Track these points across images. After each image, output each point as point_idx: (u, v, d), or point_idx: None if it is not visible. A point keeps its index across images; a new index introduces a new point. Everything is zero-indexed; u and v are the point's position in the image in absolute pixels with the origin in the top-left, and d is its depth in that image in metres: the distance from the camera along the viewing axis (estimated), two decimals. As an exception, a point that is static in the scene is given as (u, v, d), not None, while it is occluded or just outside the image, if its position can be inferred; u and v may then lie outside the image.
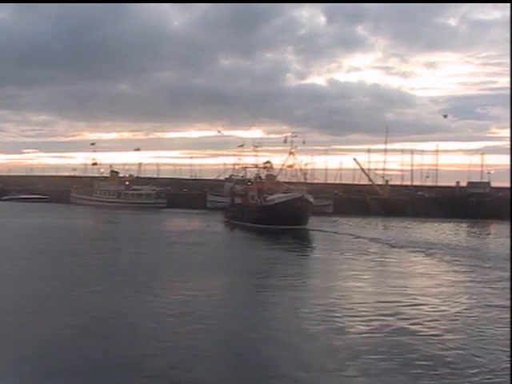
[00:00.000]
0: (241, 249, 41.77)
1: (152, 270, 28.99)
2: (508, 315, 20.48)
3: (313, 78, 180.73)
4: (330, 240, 47.21)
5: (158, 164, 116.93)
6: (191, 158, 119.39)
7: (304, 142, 75.20)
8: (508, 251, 37.77)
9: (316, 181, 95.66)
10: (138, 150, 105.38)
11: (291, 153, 72.04)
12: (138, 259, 32.46)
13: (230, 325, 19.14)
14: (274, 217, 54.34)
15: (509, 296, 23.41)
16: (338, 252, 38.91)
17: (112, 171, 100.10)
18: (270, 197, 59.59)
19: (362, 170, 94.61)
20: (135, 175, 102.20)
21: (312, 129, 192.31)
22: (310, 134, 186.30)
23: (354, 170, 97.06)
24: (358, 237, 48.99)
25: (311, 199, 57.51)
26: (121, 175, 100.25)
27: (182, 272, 28.64)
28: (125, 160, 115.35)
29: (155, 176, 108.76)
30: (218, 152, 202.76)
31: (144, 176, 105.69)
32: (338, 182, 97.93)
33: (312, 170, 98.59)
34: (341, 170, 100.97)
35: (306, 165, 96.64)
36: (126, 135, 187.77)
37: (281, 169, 76.95)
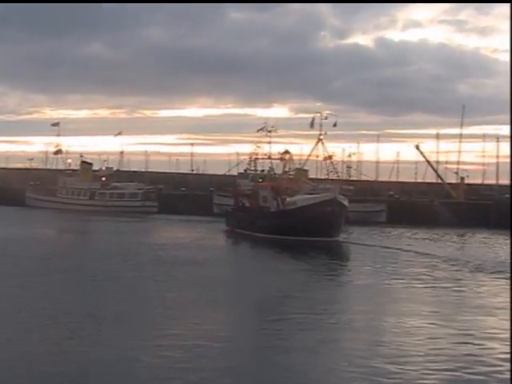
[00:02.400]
0: (251, 271, 41.93)
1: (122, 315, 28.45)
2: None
3: (356, 37, 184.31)
4: (378, 258, 47.51)
5: (146, 153, 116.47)
6: (192, 145, 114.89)
7: (335, 125, 75.32)
8: None
9: (364, 178, 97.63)
10: (118, 133, 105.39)
11: (319, 139, 73.19)
12: (104, 290, 32.75)
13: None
14: (296, 225, 55.08)
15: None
16: (390, 276, 39.01)
17: (83, 162, 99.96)
18: (291, 199, 60.29)
19: (428, 162, 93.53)
20: (115, 168, 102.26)
21: (356, 107, 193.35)
22: (354, 113, 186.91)
23: (417, 162, 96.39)
24: (420, 254, 49.42)
25: (345, 202, 58.30)
26: (95, 168, 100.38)
27: (169, 310, 28.41)
28: (101, 147, 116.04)
29: (143, 169, 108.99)
30: (229, 137, 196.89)
31: (127, 169, 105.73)
32: (393, 179, 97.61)
33: (358, 162, 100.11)
34: (397, 162, 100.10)
35: (349, 156, 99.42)
36: (102, 113, 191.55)
37: (306, 159, 77.41)
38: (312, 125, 74.13)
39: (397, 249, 52.92)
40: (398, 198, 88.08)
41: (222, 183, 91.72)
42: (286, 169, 70.98)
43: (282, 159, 71.07)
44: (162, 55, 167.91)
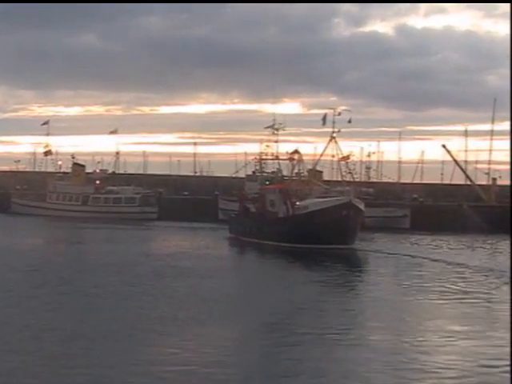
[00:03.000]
0: (258, 283, 41.95)
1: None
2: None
3: (374, 25, 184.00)
4: (400, 268, 47.72)
5: (144, 153, 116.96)
6: (194, 144, 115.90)
7: (350, 121, 75.70)
8: None
9: (385, 179, 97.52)
10: (114, 132, 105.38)
11: (332, 138, 73.34)
12: (96, 305, 32.60)
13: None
14: (308, 232, 55.58)
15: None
16: (413, 287, 39.06)
17: (75, 164, 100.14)
18: (301, 203, 60.61)
19: (456, 162, 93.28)
20: (110, 170, 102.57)
21: (374, 101, 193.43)
22: (372, 108, 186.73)
23: (443, 162, 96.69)
24: (448, 263, 49.70)
25: (361, 206, 58.57)
26: (88, 170, 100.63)
27: (167, 327, 28.26)
28: (94, 148, 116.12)
29: (141, 172, 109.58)
30: (236, 136, 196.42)
31: (124, 172, 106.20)
32: (417, 181, 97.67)
33: (378, 162, 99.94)
34: (422, 162, 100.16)
35: (368, 155, 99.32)
36: (96, 110, 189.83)
37: (318, 160, 78.44)
38: (324, 121, 74.22)
39: (421, 258, 52.91)
40: (423, 201, 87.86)
41: (229, 186, 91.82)
42: (296, 170, 71.28)
43: (290, 160, 71.38)
44: (161, 47, 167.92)
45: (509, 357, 21.90)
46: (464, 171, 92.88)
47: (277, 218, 61.38)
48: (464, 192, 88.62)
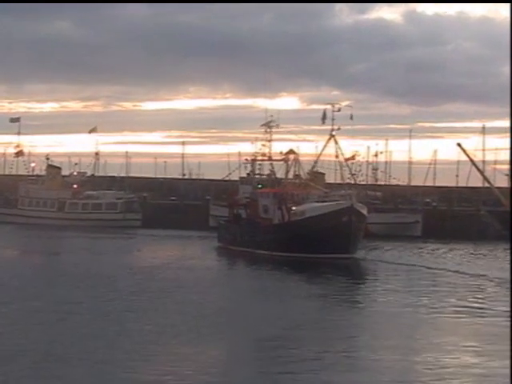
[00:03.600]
0: (253, 297, 41.91)
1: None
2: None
3: (380, 11, 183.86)
4: (409, 279, 48.17)
5: (127, 154, 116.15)
6: (183, 144, 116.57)
7: (351, 118, 76.41)
8: None
9: (394, 182, 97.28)
10: (93, 130, 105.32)
11: (331, 136, 74.23)
12: (70, 323, 32.39)
13: None
14: (306, 240, 55.98)
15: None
16: (422, 300, 39.43)
17: (50, 166, 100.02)
18: (298, 208, 61.06)
19: (472, 162, 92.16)
20: (89, 173, 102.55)
21: (381, 96, 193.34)
22: (379, 104, 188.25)
23: (458, 162, 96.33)
24: (463, 274, 50.15)
25: (364, 211, 59.03)
26: (65, 173, 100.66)
27: (150, 346, 27.95)
28: (71, 148, 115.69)
29: (123, 174, 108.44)
30: (229, 134, 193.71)
31: (104, 174, 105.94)
32: (429, 183, 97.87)
33: (386, 163, 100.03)
34: (434, 163, 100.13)
35: (376, 155, 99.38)
36: (73, 106, 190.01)
37: (316, 160, 79.07)
38: (324, 119, 74.76)
39: (434, 268, 53.12)
40: (436, 206, 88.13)
41: (221, 190, 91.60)
42: (292, 172, 71.87)
43: (285, 160, 71.69)
44: (145, 35, 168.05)
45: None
46: (481, 172, 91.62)
47: (271, 224, 61.83)
48: (482, 196, 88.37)
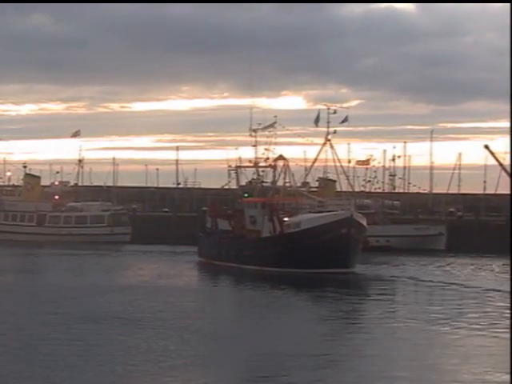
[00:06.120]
0: (243, 319, 41.88)
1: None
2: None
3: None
4: (423, 296, 49.64)
5: (114, 161, 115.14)
6: (177, 149, 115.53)
7: (347, 120, 77.88)
8: None
9: (413, 189, 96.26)
10: (76, 135, 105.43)
11: (327, 140, 76.09)
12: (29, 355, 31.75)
13: None
14: (301, 253, 56.94)
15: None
16: (439, 320, 39.89)
17: (28, 175, 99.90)
18: (292, 219, 61.90)
19: (502, 167, 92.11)
20: (72, 182, 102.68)
21: (395, 93, 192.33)
22: (393, 102, 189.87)
23: (486, 167, 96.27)
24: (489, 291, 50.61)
25: (363, 222, 59.82)
26: (45, 183, 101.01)
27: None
28: (52, 154, 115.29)
29: (110, 183, 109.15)
30: (227, 137, 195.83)
31: (89, 184, 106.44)
32: (454, 191, 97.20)
33: (405, 168, 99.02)
34: (459, 168, 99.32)
35: (393, 160, 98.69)
36: (53, 108, 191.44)
37: (311, 167, 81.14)
38: (317, 121, 76.24)
39: (453, 284, 54.09)
40: (462, 216, 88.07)
41: (220, 200, 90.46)
42: (282, 179, 72.65)
43: (273, 167, 71.99)
44: (132, 29, 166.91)
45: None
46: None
47: (261, 238, 62.63)
48: None
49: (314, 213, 62.80)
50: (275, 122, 77.28)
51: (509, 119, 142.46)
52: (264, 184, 75.69)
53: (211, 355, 32.24)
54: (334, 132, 75.44)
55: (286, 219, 61.65)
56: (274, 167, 72.20)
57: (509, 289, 51.40)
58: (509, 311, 43.27)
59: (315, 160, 79.46)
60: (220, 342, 35.34)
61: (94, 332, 36.26)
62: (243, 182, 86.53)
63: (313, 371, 29.20)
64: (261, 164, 72.52)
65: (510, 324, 31.88)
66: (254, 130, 73.20)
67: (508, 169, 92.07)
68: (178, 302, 46.08)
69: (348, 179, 79.84)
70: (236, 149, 79.56)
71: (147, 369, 28.89)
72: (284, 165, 73.09)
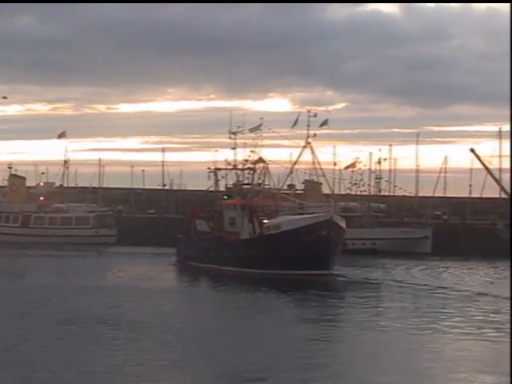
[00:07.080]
0: (222, 322, 41.22)
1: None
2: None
3: (376, 2, 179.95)
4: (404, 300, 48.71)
5: (100, 162, 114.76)
6: (163, 150, 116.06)
7: (326, 123, 77.31)
8: None
9: (399, 192, 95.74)
10: (62, 136, 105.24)
11: (307, 143, 77.66)
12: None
13: None
14: (280, 255, 57.16)
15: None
16: (423, 323, 39.69)
17: (13, 176, 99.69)
18: (272, 221, 62.01)
19: (487, 170, 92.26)
20: (57, 183, 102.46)
21: (381, 96, 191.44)
22: (379, 105, 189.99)
23: (471, 171, 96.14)
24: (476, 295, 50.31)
25: (343, 224, 60.04)
26: (30, 184, 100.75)
27: None
28: (38, 155, 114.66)
29: (95, 185, 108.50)
30: (214, 139, 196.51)
31: (74, 185, 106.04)
32: (439, 194, 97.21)
33: (391, 171, 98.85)
34: (444, 171, 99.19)
35: (379, 162, 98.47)
36: (39, 109, 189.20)
37: (291, 170, 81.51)
38: (295, 124, 76.74)
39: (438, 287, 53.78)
40: (447, 219, 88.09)
41: (206, 202, 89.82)
42: (261, 181, 72.47)
43: (251, 169, 71.65)
44: (119, 31, 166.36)
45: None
46: (498, 181, 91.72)
47: (240, 239, 62.82)
48: (498, 207, 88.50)
49: (293, 215, 63.21)
50: (261, 124, 77.89)
51: (494, 123, 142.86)
52: (244, 186, 76.23)
53: (191, 357, 31.81)
54: (314, 135, 75.75)
55: (265, 221, 61.97)
56: (254, 169, 72.04)
57: (495, 292, 51.66)
58: (497, 314, 43.40)
59: (295, 162, 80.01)
60: (200, 344, 34.90)
61: (74, 333, 35.91)
62: (230, 184, 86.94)
63: (294, 372, 28.90)
64: (239, 166, 72.54)
65: (510, 324, 32.26)
66: (234, 133, 73.70)
67: (493, 172, 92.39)
68: (158, 303, 45.78)
69: (328, 182, 79.87)
70: (216, 151, 79.30)
71: (127, 370, 28.36)
72: (264, 167, 73.08)
